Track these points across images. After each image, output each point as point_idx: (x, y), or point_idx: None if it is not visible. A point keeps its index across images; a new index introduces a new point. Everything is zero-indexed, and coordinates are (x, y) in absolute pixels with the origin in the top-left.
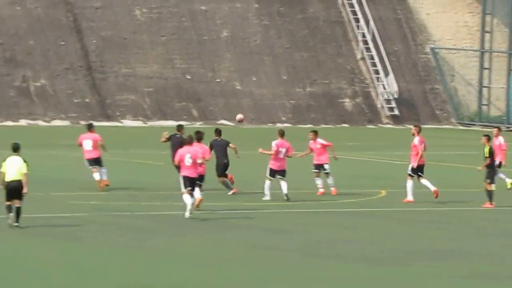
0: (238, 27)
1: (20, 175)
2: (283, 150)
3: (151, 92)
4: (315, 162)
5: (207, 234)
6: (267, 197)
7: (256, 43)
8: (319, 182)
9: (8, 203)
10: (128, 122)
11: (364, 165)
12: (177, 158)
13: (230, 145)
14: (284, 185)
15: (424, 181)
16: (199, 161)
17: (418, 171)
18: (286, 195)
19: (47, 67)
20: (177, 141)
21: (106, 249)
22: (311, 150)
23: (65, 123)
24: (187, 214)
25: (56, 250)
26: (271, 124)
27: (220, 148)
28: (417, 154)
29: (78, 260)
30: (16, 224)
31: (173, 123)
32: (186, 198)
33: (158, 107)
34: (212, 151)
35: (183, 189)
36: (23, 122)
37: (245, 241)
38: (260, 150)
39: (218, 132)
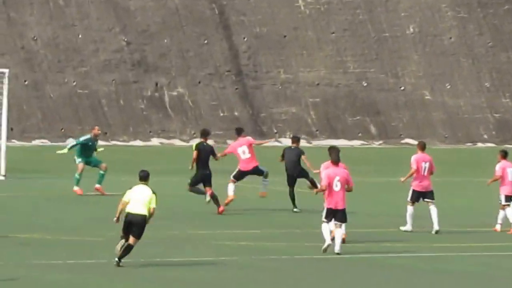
0: (427, 21)
1: (146, 210)
2: (426, 166)
3: (317, 103)
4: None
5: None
6: (407, 227)
7: (450, 41)
8: (503, 216)
9: (123, 236)
10: (287, 141)
11: None
12: (324, 181)
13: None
14: (434, 213)
15: None
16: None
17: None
18: (437, 231)
19: (186, 72)
20: (205, 152)
21: None
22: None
23: (208, 142)
24: (337, 248)
25: None
26: (470, 144)
27: (206, 154)
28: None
29: None
30: (118, 261)
31: (345, 143)
32: (325, 230)
33: (326, 122)
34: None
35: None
36: (155, 141)
37: None
38: (489, 181)
39: (205, 133)
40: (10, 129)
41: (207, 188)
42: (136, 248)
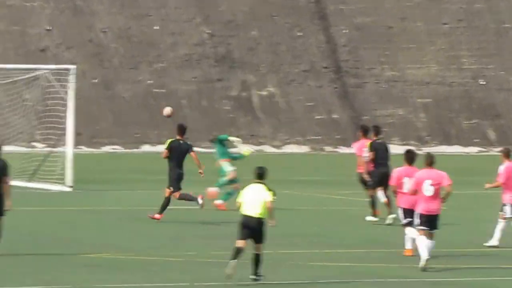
0: None
1: (262, 211)
2: None
3: (427, 104)
4: None
5: None
6: (493, 242)
7: None
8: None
9: (239, 245)
10: (394, 148)
11: None
12: (413, 186)
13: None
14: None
15: None
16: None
17: None
18: None
19: (277, 68)
20: (180, 151)
21: None
22: None
23: (303, 149)
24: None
25: None
26: None
27: (181, 154)
28: None
29: None
30: (255, 277)
31: (459, 150)
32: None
33: (437, 126)
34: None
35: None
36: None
37: None
38: (487, 185)
39: (181, 129)
40: (77, 134)
41: (172, 190)
42: (223, 270)
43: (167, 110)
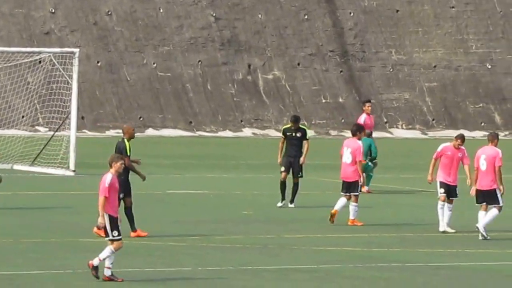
0: None
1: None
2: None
3: (433, 88)
4: None
5: None
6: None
7: None
8: None
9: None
10: (400, 132)
11: None
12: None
13: None
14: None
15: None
16: None
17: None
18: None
19: (283, 52)
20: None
21: None
22: None
23: (308, 133)
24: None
25: None
26: None
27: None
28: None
29: None
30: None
31: (465, 134)
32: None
33: (444, 110)
34: None
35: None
36: (247, 131)
37: None
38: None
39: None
40: (80, 118)
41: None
42: (226, 255)
43: None
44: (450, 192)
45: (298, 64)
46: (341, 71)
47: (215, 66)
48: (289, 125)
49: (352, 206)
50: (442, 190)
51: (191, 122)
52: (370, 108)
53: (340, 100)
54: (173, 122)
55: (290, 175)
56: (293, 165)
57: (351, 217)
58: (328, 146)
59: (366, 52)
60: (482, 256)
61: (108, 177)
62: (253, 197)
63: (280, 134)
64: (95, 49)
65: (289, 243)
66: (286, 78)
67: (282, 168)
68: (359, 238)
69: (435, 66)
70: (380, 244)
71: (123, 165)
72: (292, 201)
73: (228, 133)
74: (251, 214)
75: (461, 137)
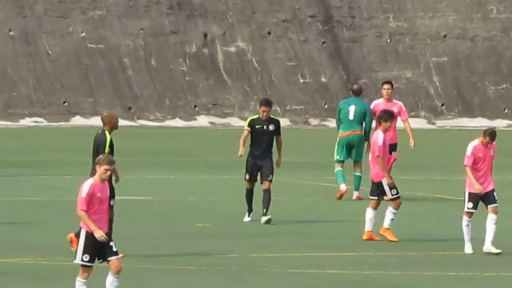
0: None
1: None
2: None
3: (443, 64)
4: None
5: None
6: None
7: None
8: None
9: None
10: (399, 122)
11: None
12: None
13: None
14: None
15: None
16: None
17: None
18: None
19: (249, 18)
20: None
21: None
22: None
23: (282, 122)
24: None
25: None
26: None
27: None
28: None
29: None
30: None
31: (484, 123)
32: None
33: (456, 92)
34: None
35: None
36: (203, 120)
37: None
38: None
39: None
40: None
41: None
42: (175, 280)
43: None
44: (489, 199)
45: (269, 33)
46: (323, 42)
47: (161, 35)
48: (257, 116)
49: (388, 212)
50: (471, 205)
51: (130, 108)
52: (389, 91)
53: (323, 79)
54: (107, 107)
55: (258, 182)
56: (262, 168)
57: (385, 225)
58: (306, 139)
59: (356, 17)
60: (504, 281)
61: (86, 185)
62: (210, 204)
63: (245, 126)
64: (6, 14)
65: (257, 264)
66: (253, 51)
67: (247, 176)
68: (347, 257)
69: (444, 36)
70: (374, 265)
71: (109, 172)
72: (265, 213)
73: (178, 122)
74: (207, 226)
75: (490, 134)
